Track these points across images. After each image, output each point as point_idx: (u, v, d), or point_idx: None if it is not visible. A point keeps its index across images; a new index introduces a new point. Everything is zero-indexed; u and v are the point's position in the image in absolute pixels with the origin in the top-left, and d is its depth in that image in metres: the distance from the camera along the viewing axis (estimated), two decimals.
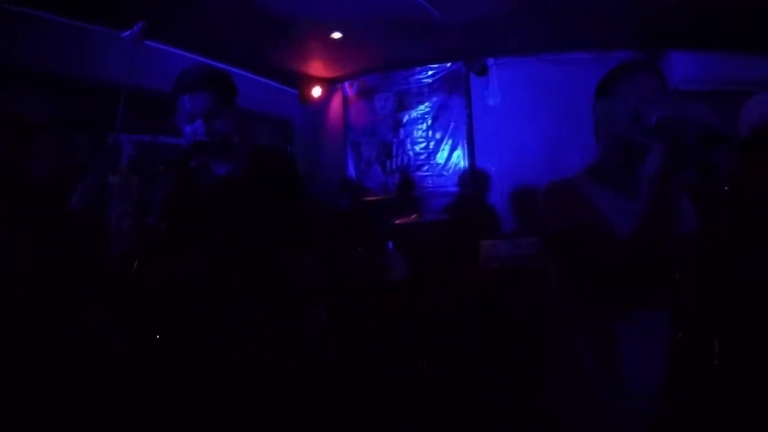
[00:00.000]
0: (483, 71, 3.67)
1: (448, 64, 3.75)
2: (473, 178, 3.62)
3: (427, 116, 3.73)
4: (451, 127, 3.67)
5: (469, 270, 3.24)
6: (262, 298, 1.33)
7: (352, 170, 3.88)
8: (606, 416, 1.00)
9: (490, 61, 3.69)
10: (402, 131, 3.77)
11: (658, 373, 1.03)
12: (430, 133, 3.71)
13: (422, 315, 3.03)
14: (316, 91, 4.14)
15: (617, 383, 0.98)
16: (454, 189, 3.65)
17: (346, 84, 4.06)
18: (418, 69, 3.81)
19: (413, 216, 3.55)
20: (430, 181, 3.68)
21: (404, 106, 3.78)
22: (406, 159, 3.71)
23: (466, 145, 3.64)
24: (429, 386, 2.58)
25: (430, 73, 3.78)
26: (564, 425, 1.04)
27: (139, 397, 1.54)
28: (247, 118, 1.42)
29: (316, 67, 4.04)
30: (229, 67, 3.39)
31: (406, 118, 3.77)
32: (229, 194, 1.33)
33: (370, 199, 3.80)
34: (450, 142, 3.68)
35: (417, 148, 3.73)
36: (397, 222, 3.45)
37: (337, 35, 3.30)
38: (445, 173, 3.67)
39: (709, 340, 1.83)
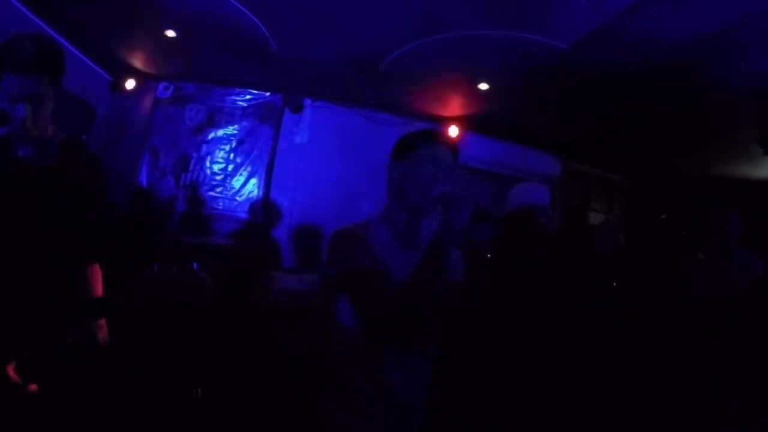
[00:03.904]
0: (298, 109, 3.80)
1: (267, 94, 3.78)
2: (264, 208, 3.64)
3: (233, 138, 3.67)
4: (253, 154, 3.66)
5: (252, 299, 3.22)
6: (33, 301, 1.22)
7: (144, 177, 3.61)
8: (369, 424, 1.11)
9: (307, 101, 3.85)
10: (204, 147, 3.64)
11: (422, 393, 1.18)
12: (232, 156, 3.65)
13: (206, 339, 2.92)
14: (130, 83, 3.82)
15: (383, 400, 1.11)
16: (243, 216, 3.60)
17: (162, 85, 3.82)
18: (237, 90, 3.77)
19: (204, 236, 3.43)
20: (221, 204, 3.58)
21: (213, 123, 3.67)
22: (201, 176, 3.57)
23: (264, 175, 3.66)
24: (202, 413, 2.57)
25: (247, 97, 3.76)
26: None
27: None
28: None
29: (138, 58, 3.75)
30: (46, 28, 2.94)
31: (212, 135, 3.66)
32: (30, 181, 1.19)
33: (158, 209, 3.56)
34: (249, 168, 3.66)
35: (215, 168, 3.63)
36: (185, 240, 3.30)
37: (171, 33, 3.12)
38: (237, 198, 3.61)
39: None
